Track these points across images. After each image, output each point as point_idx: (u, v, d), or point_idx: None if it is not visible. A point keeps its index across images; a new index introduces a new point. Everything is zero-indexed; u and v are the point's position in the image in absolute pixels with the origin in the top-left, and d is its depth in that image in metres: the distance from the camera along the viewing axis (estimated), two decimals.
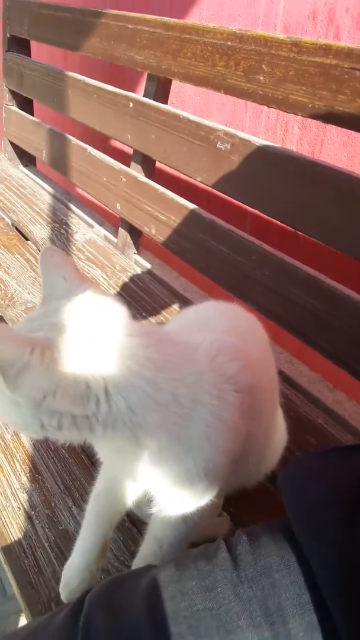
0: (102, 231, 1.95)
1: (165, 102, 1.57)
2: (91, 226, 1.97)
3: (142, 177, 1.63)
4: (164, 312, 1.42)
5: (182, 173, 1.45)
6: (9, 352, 0.49)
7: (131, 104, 1.59)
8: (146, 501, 0.70)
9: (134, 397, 0.55)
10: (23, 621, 1.34)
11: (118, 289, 1.52)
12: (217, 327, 0.76)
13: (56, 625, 0.52)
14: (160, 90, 1.55)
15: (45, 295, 0.60)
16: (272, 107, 1.16)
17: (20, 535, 0.85)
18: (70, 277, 0.60)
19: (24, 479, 0.95)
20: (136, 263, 1.73)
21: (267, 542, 0.52)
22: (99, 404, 0.54)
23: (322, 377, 1.27)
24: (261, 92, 1.17)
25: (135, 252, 1.78)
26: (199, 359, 0.63)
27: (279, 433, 0.86)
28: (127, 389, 0.55)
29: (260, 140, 1.20)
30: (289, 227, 1.47)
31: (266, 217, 1.56)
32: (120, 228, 1.78)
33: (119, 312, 0.59)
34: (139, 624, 0.48)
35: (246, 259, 1.25)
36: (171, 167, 1.49)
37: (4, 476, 0.96)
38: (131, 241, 1.76)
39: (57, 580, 0.76)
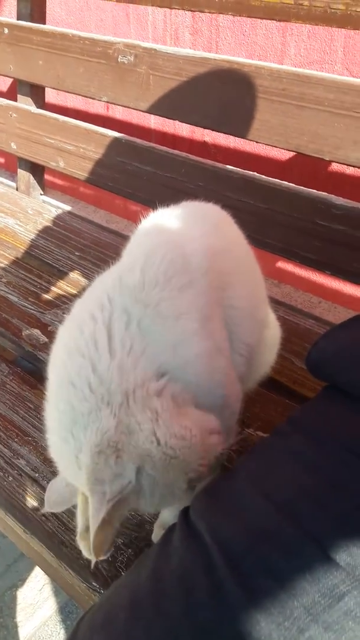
0: None
1: (44, 22, 1.46)
2: None
3: (34, 109, 1.52)
4: (97, 247, 1.37)
5: (83, 96, 1.37)
6: None
7: (6, 30, 1.45)
8: None
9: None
10: (19, 595, 1.28)
11: (39, 233, 1.44)
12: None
13: (180, 556, 0.49)
14: (37, 10, 1.43)
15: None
16: (174, 8, 1.12)
17: (33, 502, 0.78)
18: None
19: (15, 446, 0.87)
20: (46, 204, 1.64)
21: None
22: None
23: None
24: None
25: (42, 193, 1.68)
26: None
27: (272, 329, 0.83)
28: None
29: (166, 47, 1.16)
30: (198, 139, 1.47)
31: (170, 131, 1.54)
32: (19, 169, 1.66)
33: None
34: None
35: (175, 174, 1.24)
36: (69, 92, 1.40)
37: None
38: (35, 181, 1.65)
39: None
